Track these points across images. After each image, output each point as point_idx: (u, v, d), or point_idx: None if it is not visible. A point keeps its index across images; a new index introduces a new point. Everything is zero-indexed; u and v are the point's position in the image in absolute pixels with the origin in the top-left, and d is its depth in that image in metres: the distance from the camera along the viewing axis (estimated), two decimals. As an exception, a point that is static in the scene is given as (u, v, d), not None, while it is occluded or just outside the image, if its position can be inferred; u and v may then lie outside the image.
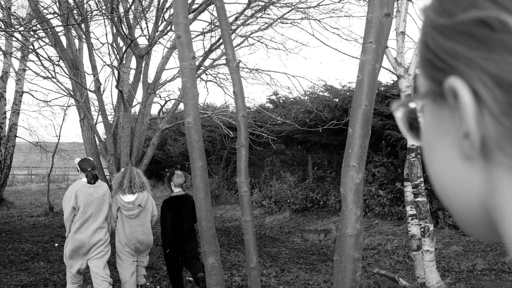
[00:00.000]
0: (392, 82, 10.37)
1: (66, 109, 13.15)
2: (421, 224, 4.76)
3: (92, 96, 9.06)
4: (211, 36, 8.90)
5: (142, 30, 9.32)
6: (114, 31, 8.64)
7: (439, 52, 0.37)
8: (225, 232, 9.43)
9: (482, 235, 0.40)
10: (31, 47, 8.75)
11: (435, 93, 0.38)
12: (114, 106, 9.44)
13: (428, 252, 4.73)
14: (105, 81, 15.02)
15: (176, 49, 3.38)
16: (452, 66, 0.36)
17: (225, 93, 11.21)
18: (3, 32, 8.34)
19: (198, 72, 8.82)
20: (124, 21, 7.90)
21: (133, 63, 9.17)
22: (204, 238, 2.57)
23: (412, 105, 0.43)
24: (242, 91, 2.77)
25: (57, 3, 7.94)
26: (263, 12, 9.15)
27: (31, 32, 8.43)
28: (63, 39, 8.52)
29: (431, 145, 0.40)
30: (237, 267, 6.47)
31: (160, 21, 8.58)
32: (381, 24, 2.21)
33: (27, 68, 11.54)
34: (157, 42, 8.72)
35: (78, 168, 4.56)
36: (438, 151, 0.39)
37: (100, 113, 8.82)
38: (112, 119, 9.01)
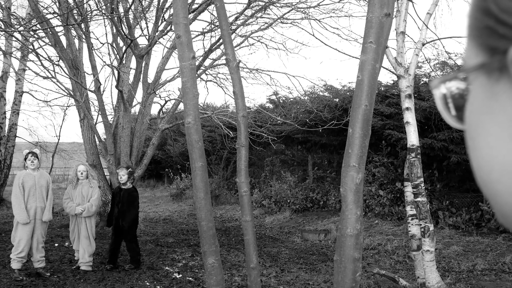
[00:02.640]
0: (392, 82, 10.37)
1: (66, 109, 13.17)
2: (421, 224, 4.76)
3: (92, 96, 9.07)
4: (211, 36, 8.90)
5: (142, 30, 9.33)
6: (114, 31, 8.64)
7: (505, 16, 0.33)
8: (225, 232, 9.43)
9: None
10: (31, 47, 8.75)
11: (492, 64, 0.34)
12: (114, 106, 9.45)
13: (428, 252, 4.73)
14: (105, 81, 15.04)
15: (176, 49, 3.38)
16: None
17: (225, 93, 11.22)
18: (3, 32, 8.34)
19: (198, 72, 8.82)
20: (124, 21, 7.90)
21: (133, 63, 9.19)
22: (204, 238, 2.57)
23: (457, 81, 0.38)
24: (242, 91, 2.76)
25: (57, 3, 7.94)
26: (263, 12, 9.15)
27: (31, 32, 8.43)
28: (63, 39, 8.53)
29: (478, 124, 0.36)
30: (237, 267, 6.48)
31: (160, 21, 8.58)
32: (381, 24, 2.21)
33: (27, 68, 11.54)
34: (157, 42, 8.72)
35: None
36: (487, 131, 0.35)
37: (100, 113, 8.82)
38: (112, 119, 9.01)
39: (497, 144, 0.34)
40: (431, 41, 5.54)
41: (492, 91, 0.35)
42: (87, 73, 8.98)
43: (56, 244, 7.64)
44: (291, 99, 12.29)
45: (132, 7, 8.76)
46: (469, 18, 0.37)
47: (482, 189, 0.37)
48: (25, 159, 5.69)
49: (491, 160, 0.35)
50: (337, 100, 11.07)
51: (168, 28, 8.45)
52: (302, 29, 10.86)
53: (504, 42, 0.33)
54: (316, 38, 6.58)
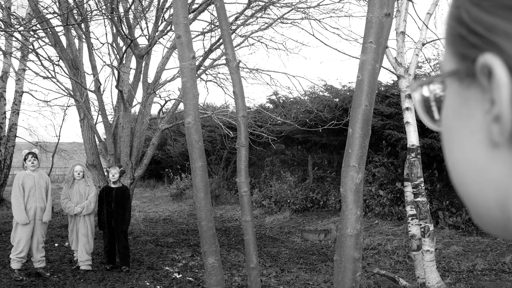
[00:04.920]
0: (392, 82, 10.37)
1: (66, 109, 13.17)
2: (421, 224, 4.76)
3: (92, 96, 9.06)
4: (211, 36, 8.90)
5: (142, 30, 9.33)
6: (114, 31, 8.64)
7: (475, 26, 0.34)
8: (225, 232, 9.43)
9: (497, 232, 0.36)
10: (31, 47, 8.75)
11: (463, 71, 0.35)
12: (114, 106, 9.44)
13: (428, 252, 4.73)
14: (105, 81, 15.03)
15: (176, 49, 3.38)
16: (489, 41, 0.33)
17: (225, 93, 11.21)
18: (3, 32, 8.34)
19: (198, 72, 8.82)
20: (124, 21, 7.89)
21: (133, 63, 9.18)
22: (204, 238, 2.57)
23: (433, 85, 0.40)
24: (242, 91, 2.77)
25: (57, 3, 7.94)
26: (263, 12, 9.14)
27: (31, 32, 8.43)
28: (63, 39, 8.52)
29: (452, 129, 0.38)
30: (237, 267, 6.48)
31: (160, 21, 8.58)
32: (381, 24, 2.21)
33: (27, 68, 11.53)
34: (157, 42, 8.72)
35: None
36: (459, 135, 0.37)
37: (100, 113, 8.82)
38: (112, 119, 9.01)
39: (469, 149, 0.36)
40: (431, 41, 5.54)
41: (463, 97, 0.36)
42: (87, 73, 8.98)
43: (56, 244, 7.64)
44: (291, 99, 12.28)
45: (132, 7, 8.76)
46: (446, 25, 0.39)
47: (457, 190, 0.39)
48: (25, 159, 5.68)
49: (464, 163, 0.36)
50: (337, 100, 11.08)
51: (168, 28, 8.44)
52: (302, 29, 10.85)
53: (474, 51, 0.34)
54: (316, 38, 6.59)
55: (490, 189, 0.34)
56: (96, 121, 9.22)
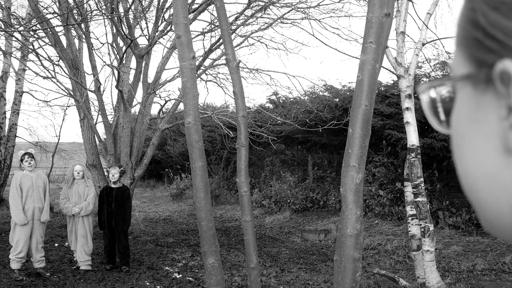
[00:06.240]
0: (392, 82, 10.37)
1: (66, 109, 13.15)
2: (421, 224, 4.76)
3: (92, 96, 9.06)
4: (211, 36, 8.90)
5: (142, 30, 9.32)
6: (114, 31, 8.64)
7: (493, 30, 0.33)
8: (225, 232, 9.43)
9: (507, 237, 0.36)
10: (31, 47, 8.74)
11: (480, 77, 0.34)
12: (114, 106, 9.44)
13: (428, 252, 4.73)
14: (105, 81, 15.00)
15: (176, 49, 3.38)
16: (508, 47, 0.32)
17: (225, 93, 11.21)
18: (3, 32, 8.34)
19: (198, 72, 8.81)
20: (124, 21, 7.89)
21: (133, 63, 9.18)
22: (204, 238, 2.57)
23: (444, 88, 0.39)
24: (242, 91, 2.77)
25: (57, 3, 7.94)
26: (263, 12, 9.14)
27: (31, 32, 8.43)
28: (63, 39, 8.52)
29: (464, 134, 0.37)
30: (237, 267, 6.47)
31: (160, 21, 8.58)
32: (381, 24, 2.21)
33: (27, 68, 11.52)
34: (157, 42, 8.72)
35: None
36: (472, 141, 0.36)
37: (100, 113, 8.81)
38: (112, 119, 9.01)
39: (482, 154, 0.35)
40: (431, 41, 5.54)
41: (478, 102, 0.35)
42: (87, 73, 8.98)
43: (56, 244, 7.64)
44: (291, 99, 12.28)
45: (132, 7, 8.76)
46: (458, 27, 0.37)
47: (468, 195, 0.38)
48: (21, 160, 5.68)
49: (476, 169, 0.36)
50: (337, 100, 11.07)
51: (168, 28, 8.44)
52: (302, 29, 10.84)
53: (492, 56, 0.33)
54: (316, 38, 6.59)
55: (503, 195, 0.34)
56: (96, 121, 9.22)
